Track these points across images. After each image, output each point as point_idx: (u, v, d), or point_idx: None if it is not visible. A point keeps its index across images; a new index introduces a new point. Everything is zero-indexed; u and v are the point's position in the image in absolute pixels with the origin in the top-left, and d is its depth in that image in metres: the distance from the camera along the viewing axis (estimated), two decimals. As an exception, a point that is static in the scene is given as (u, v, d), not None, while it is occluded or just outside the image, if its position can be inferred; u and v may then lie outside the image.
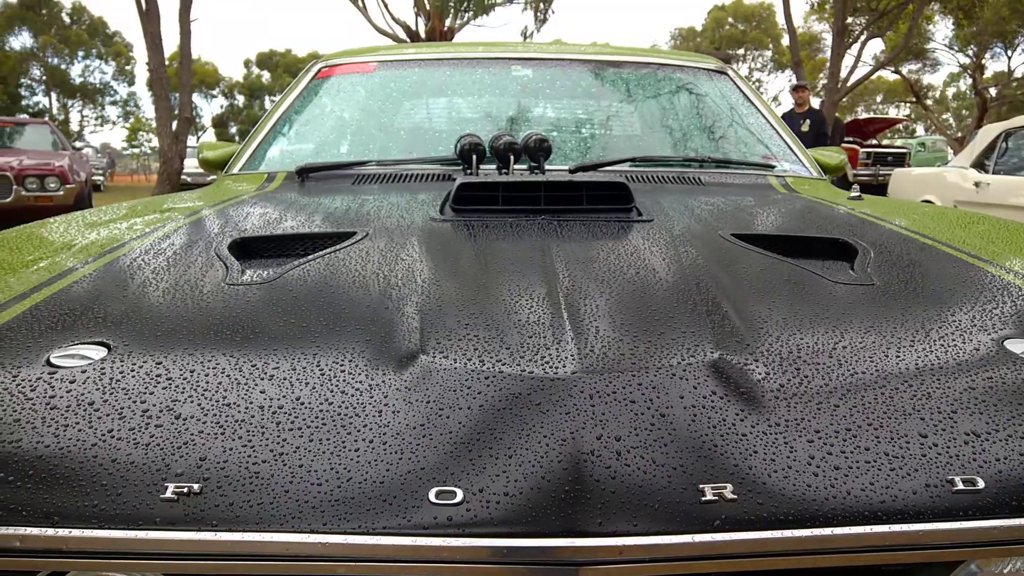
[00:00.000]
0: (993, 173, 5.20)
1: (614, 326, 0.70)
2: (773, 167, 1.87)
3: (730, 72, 2.30)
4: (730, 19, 42.87)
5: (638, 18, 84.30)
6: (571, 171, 1.56)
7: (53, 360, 0.67)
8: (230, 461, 0.56)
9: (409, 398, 0.60)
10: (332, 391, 0.62)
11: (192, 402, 0.61)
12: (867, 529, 0.54)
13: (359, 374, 0.64)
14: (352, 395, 0.62)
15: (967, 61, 29.74)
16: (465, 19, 15.59)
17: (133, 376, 0.64)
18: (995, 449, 0.59)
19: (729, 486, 0.54)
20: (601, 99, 2.21)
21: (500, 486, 0.54)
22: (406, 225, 1.09)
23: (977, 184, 5.22)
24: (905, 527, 0.54)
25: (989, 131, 5.52)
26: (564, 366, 0.63)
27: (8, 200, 7.61)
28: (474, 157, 1.54)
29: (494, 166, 1.56)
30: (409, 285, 0.81)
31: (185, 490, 0.54)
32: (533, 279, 0.82)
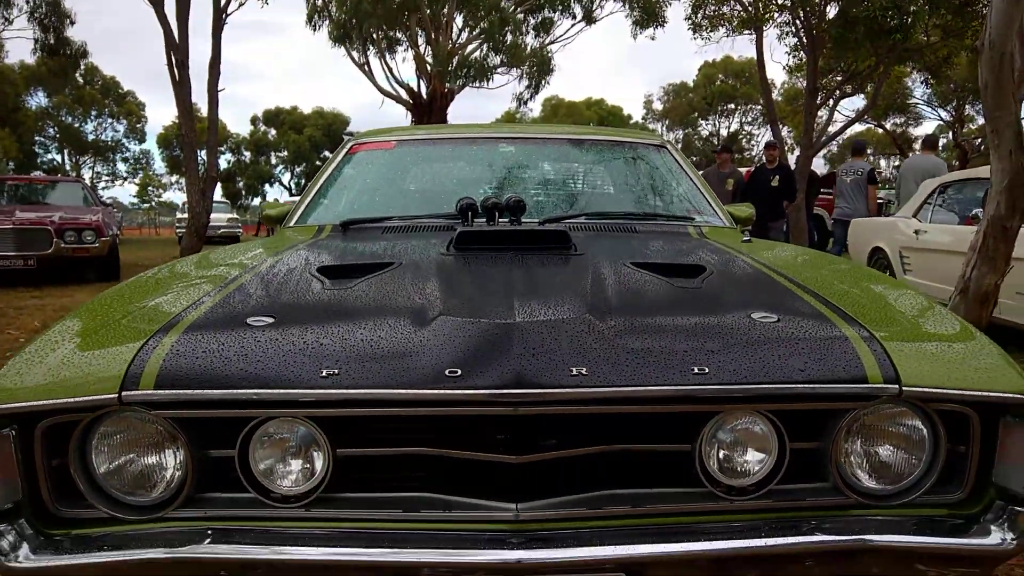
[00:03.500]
0: (930, 222, 5.89)
1: (539, 301, 1.34)
2: (693, 219, 2.51)
3: (668, 146, 2.98)
4: (720, 75, 44.60)
5: (630, 73, 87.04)
6: (540, 223, 2.20)
7: (249, 322, 1.30)
8: (351, 362, 1.18)
9: (434, 333, 1.23)
10: (396, 333, 1.25)
11: (325, 338, 1.24)
12: (648, 388, 1.16)
13: (408, 324, 1.27)
14: (407, 333, 1.24)
15: (947, 116, 31.02)
16: (464, 83, 16.61)
17: (293, 328, 1.27)
18: (720, 356, 1.21)
19: (584, 368, 1.16)
20: (568, 168, 2.89)
21: (479, 369, 1.16)
22: (425, 258, 1.73)
23: (917, 232, 5.90)
24: (666, 387, 1.16)
25: (927, 185, 6.24)
26: (511, 319, 1.26)
27: (48, 251, 8.33)
28: (469, 213, 2.17)
29: (484, 219, 2.20)
30: (430, 287, 1.44)
31: (334, 371, 1.16)
32: (501, 281, 1.47)
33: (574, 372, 1.16)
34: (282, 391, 1.15)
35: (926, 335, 1.35)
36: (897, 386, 1.18)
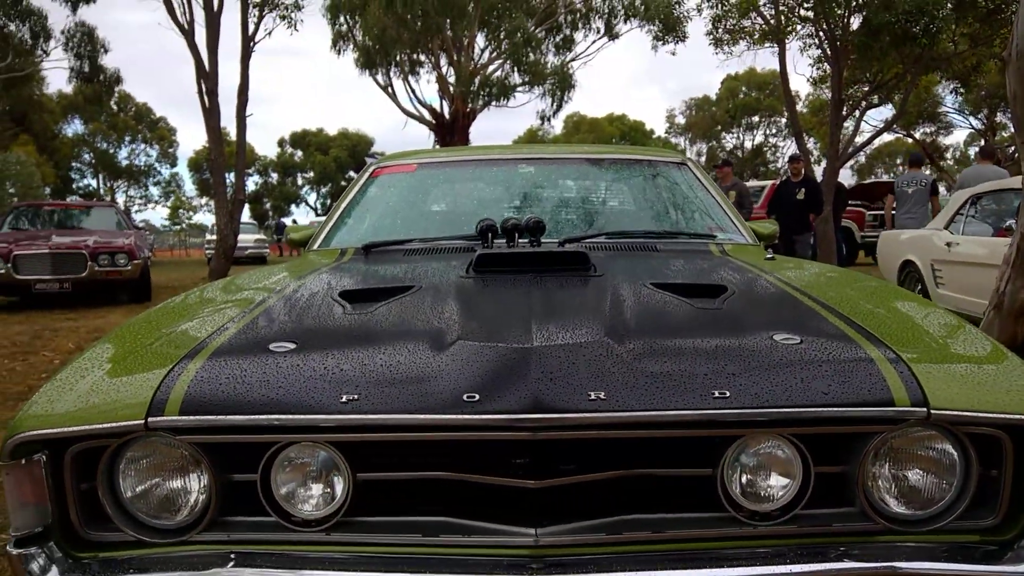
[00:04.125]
0: (962, 234, 5.77)
1: (557, 324, 1.34)
2: (715, 236, 2.50)
3: (689, 163, 2.97)
4: (744, 88, 44.36)
5: (652, 88, 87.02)
6: (560, 243, 2.20)
7: (271, 348, 1.32)
8: (370, 387, 1.19)
9: (453, 358, 1.24)
10: (415, 358, 1.26)
11: (346, 363, 1.25)
12: (667, 412, 1.15)
13: (427, 349, 1.28)
14: (425, 358, 1.25)
15: (979, 124, 30.47)
16: (486, 102, 16.76)
17: (314, 353, 1.29)
18: (741, 380, 1.20)
19: (603, 392, 1.16)
20: (587, 187, 2.90)
21: (497, 393, 1.16)
22: (445, 281, 1.74)
23: (948, 244, 5.79)
24: (686, 411, 1.15)
25: (959, 196, 6.12)
26: (529, 343, 1.26)
27: (83, 274, 8.54)
28: (489, 235, 2.18)
29: (504, 240, 2.21)
30: (449, 311, 1.45)
31: (354, 397, 1.17)
32: (519, 304, 1.47)
33: (592, 396, 1.15)
34: (303, 417, 1.17)
35: (955, 356, 1.32)
36: (925, 409, 1.16)
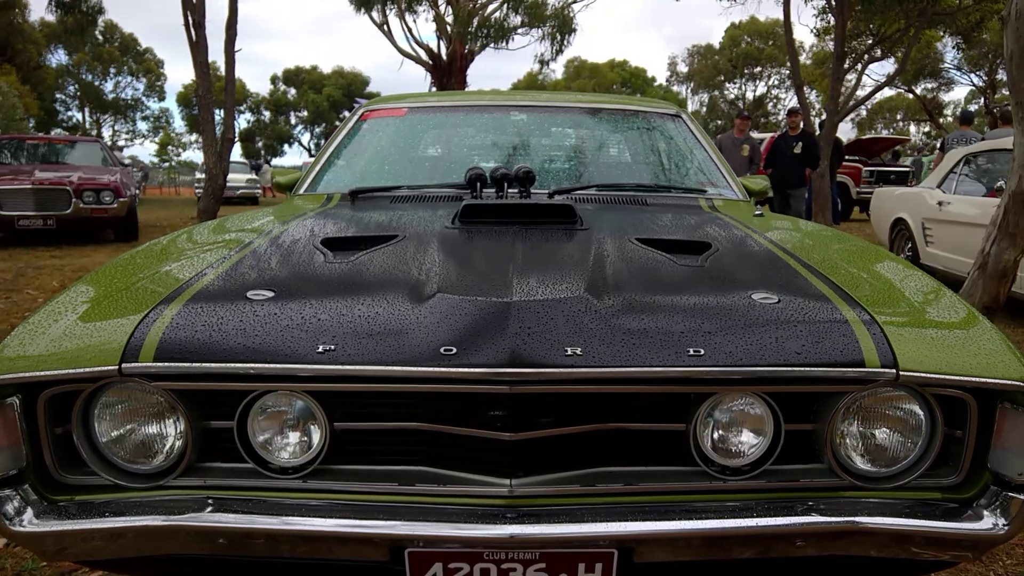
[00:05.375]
0: (954, 193, 5.76)
1: (538, 278, 1.33)
2: (705, 191, 2.47)
3: (683, 115, 2.92)
4: (746, 37, 43.51)
5: (654, 34, 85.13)
6: (550, 195, 2.18)
7: (249, 295, 1.31)
8: (347, 338, 1.19)
9: (431, 310, 1.23)
10: (393, 309, 1.25)
11: (323, 313, 1.24)
12: (642, 369, 1.15)
13: (406, 301, 1.27)
14: (404, 310, 1.24)
15: (979, 81, 30.11)
16: (484, 44, 16.35)
17: (292, 302, 1.28)
18: (716, 338, 1.20)
19: (579, 348, 1.16)
20: (579, 137, 2.85)
21: (474, 347, 1.16)
22: (429, 231, 1.72)
23: (940, 203, 5.78)
24: (661, 368, 1.15)
25: (953, 155, 6.08)
26: (509, 297, 1.25)
27: (67, 212, 8.42)
28: (478, 184, 2.15)
29: (493, 190, 2.18)
30: (431, 262, 1.44)
31: (330, 347, 1.17)
32: (502, 257, 1.46)
33: (569, 352, 1.16)
34: (278, 366, 1.16)
35: (928, 319, 1.33)
36: (894, 370, 1.17)
